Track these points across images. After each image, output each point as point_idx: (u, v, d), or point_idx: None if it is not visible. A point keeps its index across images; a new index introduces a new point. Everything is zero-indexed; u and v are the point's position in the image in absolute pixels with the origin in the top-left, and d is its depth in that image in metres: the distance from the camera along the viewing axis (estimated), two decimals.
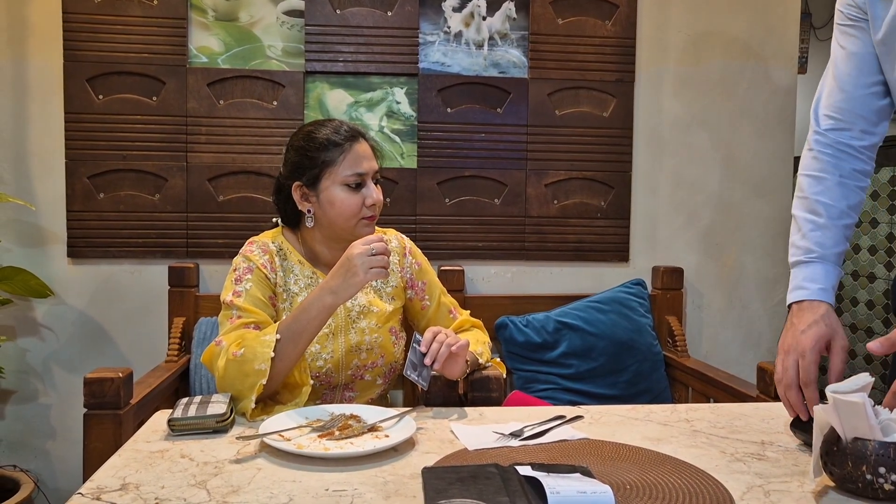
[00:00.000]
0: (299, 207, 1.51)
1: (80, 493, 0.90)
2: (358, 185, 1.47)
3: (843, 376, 1.04)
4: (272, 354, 1.27)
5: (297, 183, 1.50)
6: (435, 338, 1.34)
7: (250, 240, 1.55)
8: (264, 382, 1.26)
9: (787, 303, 1.21)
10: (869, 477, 0.88)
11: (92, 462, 1.44)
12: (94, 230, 2.24)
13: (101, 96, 2.23)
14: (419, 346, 1.34)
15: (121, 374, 1.50)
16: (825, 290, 1.17)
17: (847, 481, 0.91)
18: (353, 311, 1.53)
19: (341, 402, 1.53)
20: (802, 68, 4.13)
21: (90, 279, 2.27)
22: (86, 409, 1.49)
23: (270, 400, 1.35)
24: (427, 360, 1.33)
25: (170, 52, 2.24)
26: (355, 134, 1.50)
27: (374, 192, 1.48)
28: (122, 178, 2.25)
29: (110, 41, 2.22)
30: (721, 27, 2.48)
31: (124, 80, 2.23)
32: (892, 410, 0.94)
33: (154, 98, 2.25)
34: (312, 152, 1.48)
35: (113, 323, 2.29)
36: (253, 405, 1.25)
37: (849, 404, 0.90)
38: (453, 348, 1.34)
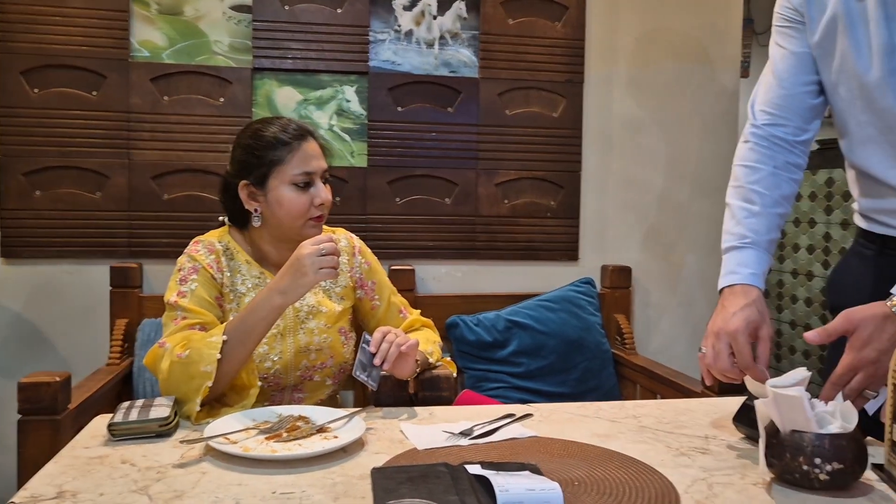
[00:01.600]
0: (246, 207, 1.48)
1: (12, 502, 0.87)
2: (306, 185, 1.45)
3: (774, 367, 1.07)
4: (219, 356, 1.24)
5: (244, 182, 1.47)
6: (384, 338, 1.33)
7: (196, 239, 1.51)
8: (210, 385, 1.23)
9: (719, 287, 1.22)
10: (806, 468, 0.91)
11: (27, 471, 1.38)
12: (30, 229, 2.16)
13: (36, 90, 2.15)
14: (368, 346, 1.33)
15: (58, 379, 1.45)
16: (756, 275, 1.19)
17: (786, 472, 0.93)
18: (302, 312, 1.51)
19: (290, 403, 1.51)
20: (745, 72, 4.25)
21: (26, 280, 2.19)
22: (20, 416, 1.44)
23: (217, 402, 1.32)
24: (377, 361, 1.32)
25: (111, 46, 2.18)
26: (304, 132, 1.48)
27: (323, 192, 1.46)
28: (60, 175, 2.17)
29: (47, 32, 2.14)
30: (668, 30, 2.53)
31: (62, 74, 2.16)
32: (827, 403, 0.97)
33: (94, 93, 2.18)
34: (260, 151, 1.45)
35: (51, 325, 2.21)
36: (198, 408, 1.22)
37: (787, 398, 0.92)
38: (403, 348, 1.33)
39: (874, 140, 1.16)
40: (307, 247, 1.29)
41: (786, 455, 0.92)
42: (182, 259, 1.47)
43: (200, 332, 1.35)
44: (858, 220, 1.29)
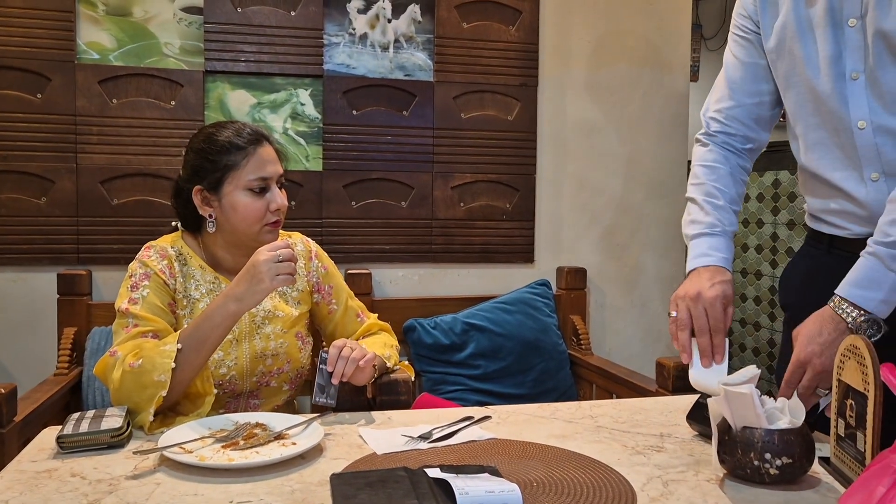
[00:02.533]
0: (200, 212, 1.46)
1: None
2: (262, 190, 1.43)
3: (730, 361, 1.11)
4: (173, 365, 1.22)
5: (197, 187, 1.44)
6: (340, 354, 1.33)
7: (147, 244, 1.48)
8: (164, 394, 1.20)
9: (692, 267, 1.25)
10: (756, 463, 0.94)
11: None
12: None
13: None
14: (325, 366, 1.32)
15: (2, 390, 1.40)
16: (728, 259, 1.24)
17: (738, 468, 0.96)
18: (258, 317, 1.49)
19: (246, 410, 1.49)
20: (694, 76, 4.35)
21: None
22: None
23: (170, 411, 1.30)
24: (335, 380, 1.31)
25: (55, 47, 2.12)
26: (259, 137, 1.46)
27: (279, 197, 1.44)
28: (3, 180, 2.10)
29: None
30: (620, 34, 2.57)
31: (3, 76, 2.09)
32: (784, 400, 0.99)
33: (38, 95, 2.12)
34: (214, 155, 1.43)
35: None
36: (152, 418, 1.20)
37: (738, 395, 0.95)
38: (361, 363, 1.33)
39: (824, 143, 1.19)
40: (264, 253, 1.28)
41: (737, 451, 0.95)
42: (133, 265, 1.44)
43: (153, 339, 1.32)
44: (808, 220, 1.33)
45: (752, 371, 0.98)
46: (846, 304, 1.03)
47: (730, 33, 1.35)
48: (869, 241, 1.06)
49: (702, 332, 1.15)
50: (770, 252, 2.47)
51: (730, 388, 0.95)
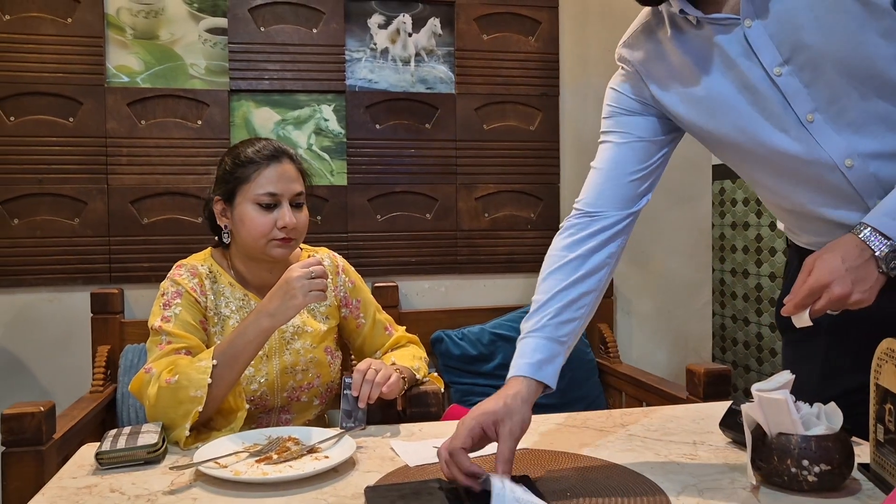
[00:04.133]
0: (217, 222, 1.49)
1: None
2: (270, 206, 1.43)
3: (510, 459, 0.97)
4: (209, 381, 1.24)
5: (216, 197, 1.48)
6: (364, 378, 1.33)
7: (178, 263, 1.51)
8: (200, 409, 1.22)
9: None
10: (794, 470, 0.92)
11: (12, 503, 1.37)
12: (8, 258, 2.14)
13: (12, 118, 2.13)
14: (350, 391, 1.32)
15: (42, 408, 1.43)
16: (531, 363, 1.08)
17: (774, 475, 0.94)
18: (287, 333, 1.50)
19: (277, 425, 1.50)
20: None
21: (5, 308, 2.16)
22: (4, 448, 1.42)
23: (204, 427, 1.31)
24: (361, 405, 1.31)
25: (86, 72, 2.17)
26: (277, 154, 1.46)
27: (288, 216, 1.42)
28: (38, 202, 2.15)
29: (22, 60, 2.13)
30: None
31: (38, 101, 2.15)
32: (819, 406, 0.98)
33: (71, 119, 2.17)
34: (232, 168, 1.46)
35: (31, 354, 2.18)
36: (187, 433, 1.22)
37: (772, 401, 0.94)
38: (384, 389, 1.33)
39: (811, 191, 1.10)
40: (297, 269, 1.30)
41: (773, 458, 0.94)
42: (165, 283, 1.46)
43: (186, 356, 1.34)
44: (800, 244, 1.25)
45: (786, 376, 0.97)
46: (876, 234, 0.95)
47: (603, 124, 1.26)
48: None
49: (454, 450, 0.97)
50: (755, 252, 2.55)
51: (763, 393, 0.94)
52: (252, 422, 1.47)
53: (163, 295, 1.44)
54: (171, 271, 1.49)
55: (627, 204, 1.20)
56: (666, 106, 1.18)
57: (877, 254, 0.94)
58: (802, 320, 0.97)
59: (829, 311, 0.96)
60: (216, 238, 1.54)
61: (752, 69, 1.05)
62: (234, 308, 1.48)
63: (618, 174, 1.20)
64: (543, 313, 1.14)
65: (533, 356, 1.09)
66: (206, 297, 1.46)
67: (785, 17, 1.01)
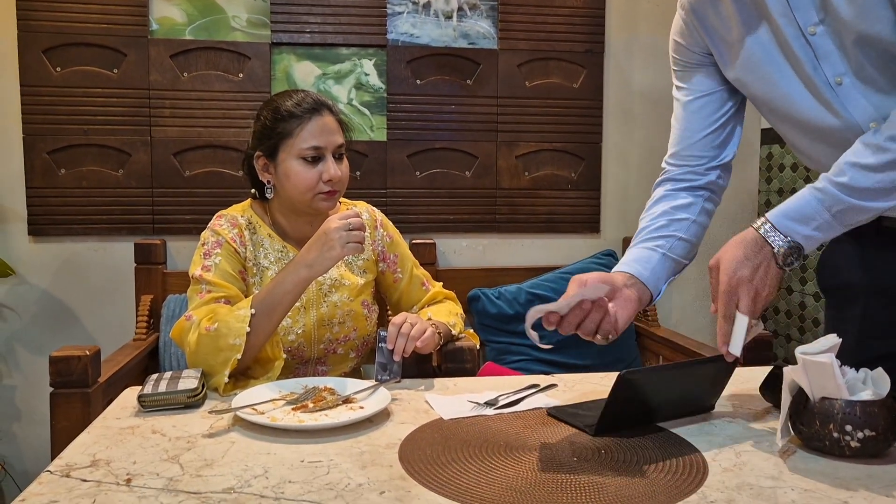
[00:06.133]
0: (260, 178, 1.49)
1: (48, 471, 0.89)
2: (315, 159, 1.43)
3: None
4: (248, 329, 1.26)
5: (258, 153, 1.48)
6: (399, 332, 1.33)
7: (219, 213, 1.52)
8: (239, 357, 1.24)
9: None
10: (836, 435, 0.90)
11: (60, 442, 1.42)
12: (55, 207, 2.19)
13: (58, 69, 2.16)
14: (385, 344, 1.32)
15: (88, 352, 1.47)
16: (624, 262, 1.20)
17: (815, 440, 0.93)
18: (325, 285, 1.51)
19: (314, 376, 1.52)
20: None
21: (53, 257, 2.22)
22: (52, 389, 1.47)
23: (242, 375, 1.34)
24: (396, 358, 1.31)
25: (130, 24, 2.18)
26: (318, 106, 1.46)
27: (333, 168, 1.44)
28: (83, 153, 2.19)
29: (67, 10, 2.14)
30: None
31: (83, 52, 2.17)
32: (866, 371, 0.95)
33: (115, 70, 2.19)
34: (272, 122, 1.45)
35: (78, 302, 2.24)
36: (226, 380, 1.24)
37: (817, 364, 0.91)
38: (418, 343, 1.33)
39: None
40: (335, 221, 1.31)
41: (815, 422, 0.92)
42: (206, 234, 1.48)
43: (226, 305, 1.36)
44: None
45: (832, 340, 0.94)
46: (776, 233, 1.01)
47: (673, 74, 1.28)
48: (823, 176, 1.01)
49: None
50: None
51: (808, 356, 0.92)
52: (289, 372, 1.49)
53: (203, 244, 1.46)
54: (211, 221, 1.50)
55: (706, 158, 1.24)
56: (714, 55, 1.20)
57: (775, 251, 1.01)
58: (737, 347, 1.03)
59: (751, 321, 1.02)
60: (254, 192, 1.55)
61: (788, 26, 1.06)
62: (272, 259, 1.49)
63: (690, 132, 1.25)
64: (640, 235, 1.25)
65: (625, 259, 1.20)
66: (246, 248, 1.47)
67: None
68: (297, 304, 1.46)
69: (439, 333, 1.43)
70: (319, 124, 1.44)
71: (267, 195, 1.50)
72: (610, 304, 1.13)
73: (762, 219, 1.03)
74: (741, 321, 1.01)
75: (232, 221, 1.49)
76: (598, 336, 1.12)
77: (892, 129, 0.98)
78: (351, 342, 1.55)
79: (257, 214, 1.53)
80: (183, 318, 1.35)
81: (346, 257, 1.54)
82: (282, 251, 1.50)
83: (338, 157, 1.47)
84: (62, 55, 2.16)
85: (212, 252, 1.44)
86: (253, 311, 1.28)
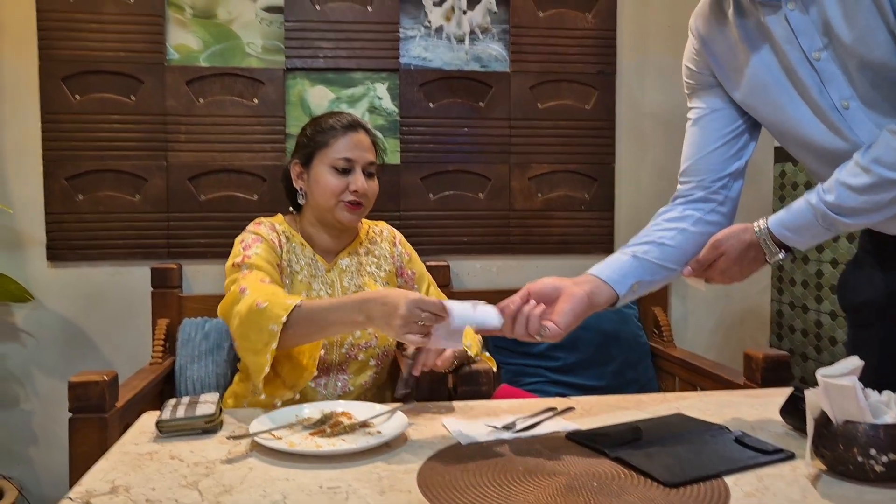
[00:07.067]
0: (294, 185, 1.59)
1: (69, 498, 0.89)
2: (345, 171, 1.53)
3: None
4: (285, 319, 1.25)
5: (295, 160, 1.59)
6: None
7: (257, 220, 1.59)
8: (275, 347, 1.24)
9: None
10: (860, 459, 0.89)
11: (78, 467, 1.42)
12: (73, 232, 2.21)
13: (77, 96, 2.19)
14: (408, 357, 1.30)
15: (106, 377, 1.48)
16: (607, 270, 1.20)
17: (838, 463, 0.91)
18: (349, 292, 1.57)
19: (335, 385, 1.53)
20: None
21: (70, 282, 2.24)
22: (71, 414, 1.47)
23: (276, 376, 1.33)
24: (415, 372, 1.26)
25: (147, 51, 2.21)
26: (354, 124, 1.57)
27: (360, 180, 1.52)
28: (100, 178, 2.22)
29: (86, 40, 2.18)
30: None
31: (101, 79, 2.20)
32: (889, 394, 0.94)
33: (132, 97, 2.22)
34: (312, 134, 1.57)
35: (95, 326, 2.26)
36: (267, 368, 1.24)
37: (839, 387, 0.90)
38: (438, 362, 1.32)
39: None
40: (413, 298, 1.16)
41: (838, 446, 0.90)
42: (242, 235, 1.53)
43: (275, 286, 1.38)
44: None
45: (853, 362, 0.93)
46: (772, 241, 1.11)
47: (687, 99, 1.30)
48: (818, 189, 1.06)
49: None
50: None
51: (830, 379, 0.91)
52: (310, 381, 1.50)
53: (241, 242, 1.51)
54: (249, 226, 1.56)
55: (714, 172, 1.26)
56: (720, 80, 1.22)
57: (768, 257, 1.12)
58: (699, 285, 1.20)
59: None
60: (290, 206, 1.64)
61: (793, 52, 1.08)
62: (303, 264, 1.56)
63: (701, 145, 1.26)
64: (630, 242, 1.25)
65: (617, 267, 1.20)
66: (283, 250, 1.54)
67: (822, 3, 1.04)
68: None
69: (453, 352, 1.43)
70: (354, 139, 1.55)
71: (299, 201, 1.59)
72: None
73: (762, 224, 1.11)
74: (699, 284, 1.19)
75: (271, 227, 1.57)
76: (533, 334, 1.14)
77: (878, 149, 1.01)
78: (371, 349, 1.56)
79: (290, 226, 1.61)
80: (236, 289, 1.36)
81: (369, 268, 1.63)
82: (311, 259, 1.58)
83: (367, 174, 1.56)
84: (81, 83, 2.19)
85: (252, 244, 1.49)
86: (299, 302, 1.27)
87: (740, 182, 1.28)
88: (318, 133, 1.55)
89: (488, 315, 1.16)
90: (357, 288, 1.58)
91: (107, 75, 2.20)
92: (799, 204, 1.07)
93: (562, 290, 1.15)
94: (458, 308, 1.15)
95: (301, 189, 1.58)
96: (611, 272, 1.19)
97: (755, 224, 1.12)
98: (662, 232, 1.24)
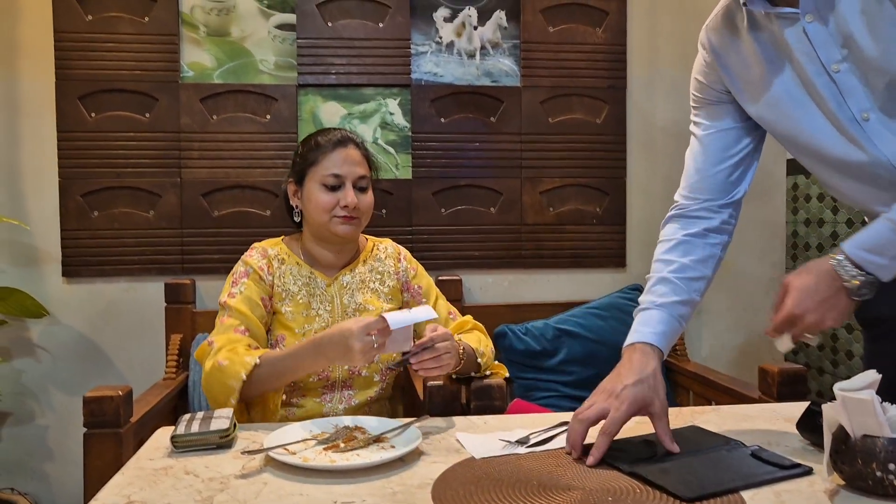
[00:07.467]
0: (290, 203, 1.62)
1: None
2: (335, 187, 1.54)
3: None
4: (244, 378, 1.33)
5: (290, 180, 1.62)
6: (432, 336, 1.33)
7: (253, 245, 1.63)
8: (234, 401, 1.34)
9: (623, 347, 1.19)
10: (879, 474, 0.88)
11: (93, 482, 1.42)
12: (88, 248, 2.23)
13: (93, 114, 2.22)
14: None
15: (120, 393, 1.49)
16: (656, 333, 1.17)
17: (857, 479, 0.90)
18: (350, 308, 1.59)
19: (340, 401, 1.54)
20: None
21: (85, 298, 2.26)
22: (86, 429, 1.48)
23: (249, 419, 1.45)
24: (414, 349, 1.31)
25: (162, 69, 2.24)
26: (344, 140, 1.58)
27: (350, 196, 1.53)
28: (115, 195, 2.24)
29: (102, 59, 2.21)
30: None
31: (116, 98, 2.23)
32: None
33: (147, 114, 2.24)
34: (304, 152, 1.59)
35: (109, 342, 2.27)
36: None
37: (857, 402, 0.89)
38: (441, 352, 1.32)
39: (864, 191, 1.13)
40: (355, 326, 1.26)
41: (857, 461, 0.90)
42: (237, 265, 1.58)
43: (246, 338, 1.44)
44: None
45: (871, 376, 0.92)
46: (850, 265, 1.01)
47: (692, 110, 1.30)
48: (894, 206, 1.01)
49: (585, 420, 1.08)
50: (830, 250, 2.41)
51: (847, 393, 0.90)
52: (316, 397, 1.52)
53: (233, 274, 1.57)
54: (245, 253, 1.61)
55: (720, 193, 1.24)
56: (734, 93, 1.21)
57: (846, 283, 1.01)
58: (784, 345, 1.06)
59: (806, 335, 1.04)
60: (294, 223, 1.66)
61: (811, 64, 1.07)
62: (300, 284, 1.58)
63: (705, 165, 1.25)
64: (664, 289, 1.22)
65: (659, 326, 1.17)
66: (273, 276, 1.56)
67: (842, 16, 1.02)
68: (324, 323, 1.55)
69: (459, 352, 1.41)
70: (342, 155, 1.56)
71: (295, 219, 1.62)
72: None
73: (838, 250, 1.02)
74: (785, 343, 1.05)
75: (262, 253, 1.59)
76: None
77: None
78: (374, 365, 1.56)
79: (288, 247, 1.62)
80: (206, 341, 1.45)
81: (372, 285, 1.63)
82: (309, 276, 1.59)
83: (359, 189, 1.57)
84: (97, 101, 2.22)
85: (239, 281, 1.54)
86: (258, 361, 1.35)
87: (738, 213, 1.29)
88: (309, 151, 1.58)
89: (422, 311, 1.30)
90: (356, 306, 1.59)
91: (122, 93, 2.23)
92: (876, 223, 1.02)
93: (649, 405, 1.11)
94: (395, 316, 1.26)
95: (297, 207, 1.61)
96: (667, 342, 1.19)
97: (830, 255, 1.04)
98: (696, 283, 1.23)
